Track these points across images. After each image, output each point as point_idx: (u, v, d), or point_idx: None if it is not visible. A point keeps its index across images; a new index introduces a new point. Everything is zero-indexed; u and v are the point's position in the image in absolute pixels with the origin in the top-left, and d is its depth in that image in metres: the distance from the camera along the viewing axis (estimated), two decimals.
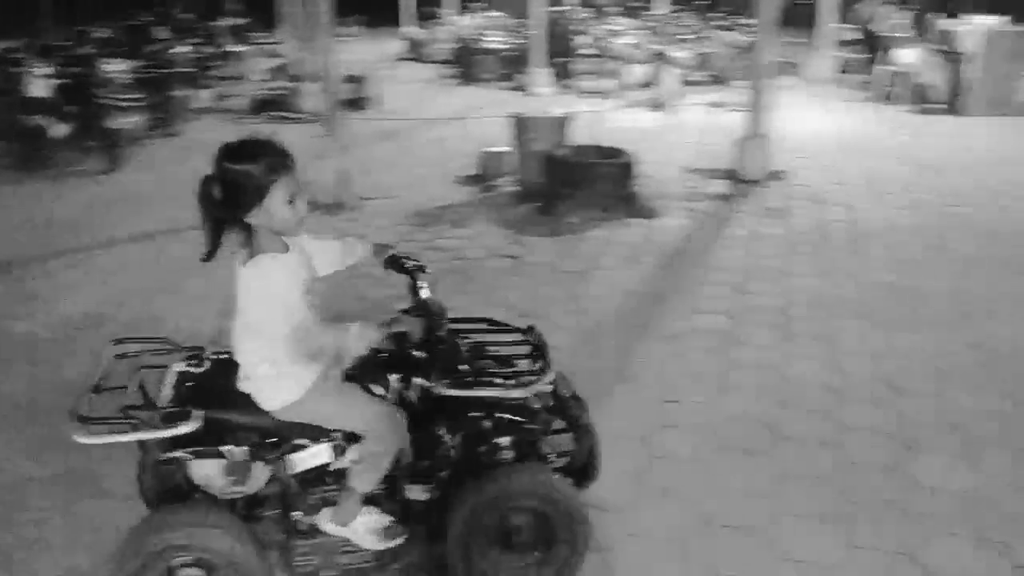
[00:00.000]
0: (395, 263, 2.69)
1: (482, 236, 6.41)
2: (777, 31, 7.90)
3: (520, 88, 13.80)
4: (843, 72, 13.98)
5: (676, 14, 17.17)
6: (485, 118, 10.77)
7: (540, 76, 13.62)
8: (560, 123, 7.60)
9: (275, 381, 2.38)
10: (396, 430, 2.48)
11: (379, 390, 2.54)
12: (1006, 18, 11.32)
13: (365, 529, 2.57)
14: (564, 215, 6.65)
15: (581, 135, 7.89)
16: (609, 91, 13.15)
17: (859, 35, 13.57)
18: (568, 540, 2.63)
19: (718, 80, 13.48)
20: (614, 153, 7.09)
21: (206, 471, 2.46)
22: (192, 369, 2.57)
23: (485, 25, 17.63)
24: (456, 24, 19.04)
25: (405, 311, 2.53)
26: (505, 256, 5.97)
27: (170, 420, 2.32)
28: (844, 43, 14.09)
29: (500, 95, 13.34)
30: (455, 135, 10.23)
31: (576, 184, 6.79)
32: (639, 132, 10.01)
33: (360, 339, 2.32)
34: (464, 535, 2.56)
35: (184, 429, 2.31)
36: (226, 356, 2.55)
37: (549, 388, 2.65)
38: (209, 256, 2.27)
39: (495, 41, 15.72)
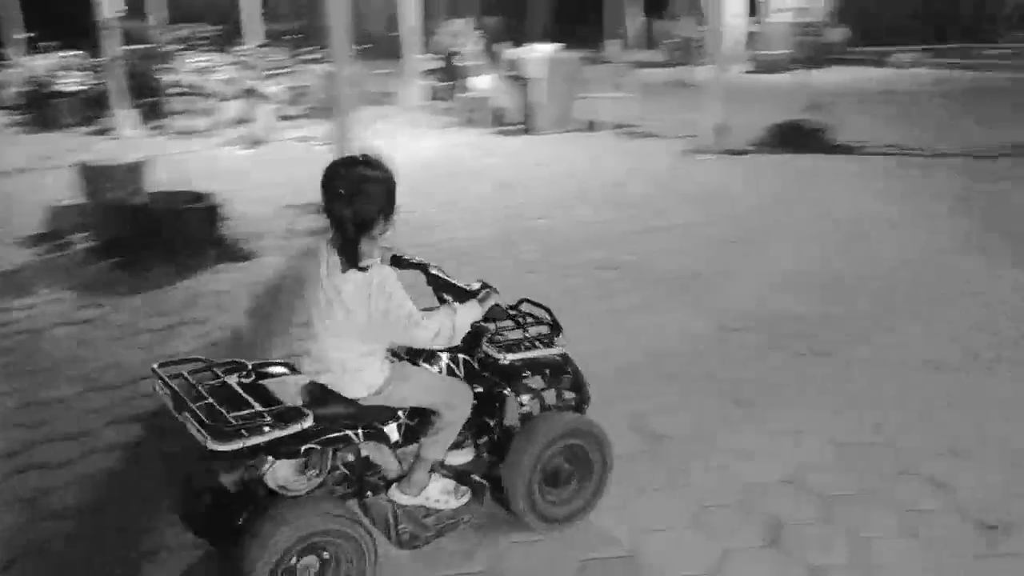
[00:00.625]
0: (398, 261, 3.03)
1: (50, 303, 5.74)
2: (354, 62, 8.07)
3: (104, 132, 12.74)
4: (432, 99, 14.78)
5: (266, 48, 16.95)
6: (58, 167, 9.74)
7: (125, 118, 12.67)
8: (136, 169, 7.08)
9: (362, 371, 2.63)
10: (465, 400, 2.84)
11: (434, 368, 2.88)
12: (561, 45, 12.71)
13: (439, 492, 2.91)
14: (147, 269, 6.18)
15: (168, 179, 7.42)
16: (203, 129, 12.61)
17: (440, 64, 14.43)
18: (600, 462, 3.17)
19: (313, 113, 13.53)
20: (199, 197, 6.75)
21: (283, 472, 2.63)
22: (244, 380, 2.69)
23: (60, 65, 16.01)
24: (26, 65, 17.09)
25: (486, 288, 2.87)
26: (76, 323, 5.39)
27: (286, 420, 2.47)
28: (429, 72, 14.89)
29: (80, 141, 12.19)
30: (21, 188, 9.12)
31: (158, 234, 6.35)
32: (234, 171, 9.69)
33: (467, 317, 2.73)
34: (532, 479, 2.98)
35: (305, 424, 2.48)
36: (259, 364, 2.79)
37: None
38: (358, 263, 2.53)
39: (72, 82, 14.35)
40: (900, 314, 5.33)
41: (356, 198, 2.49)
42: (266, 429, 2.41)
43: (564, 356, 3.16)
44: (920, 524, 3.17)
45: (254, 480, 2.60)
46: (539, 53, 12.28)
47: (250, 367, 2.76)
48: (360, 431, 2.67)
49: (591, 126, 12.53)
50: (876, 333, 5.03)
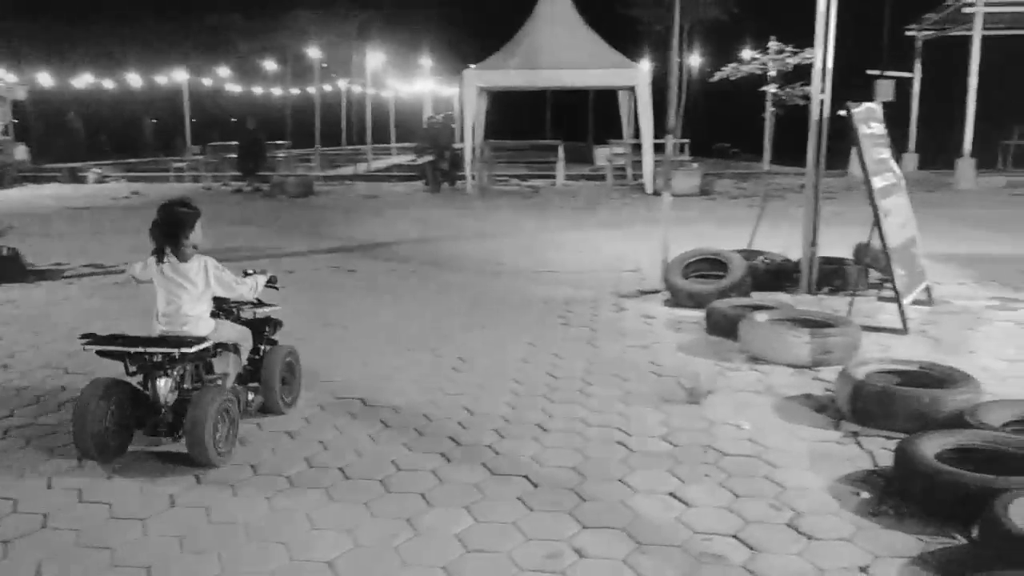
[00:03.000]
0: None
1: None
2: None
3: None
4: None
5: None
6: None
7: None
8: None
9: (206, 322, 4.71)
10: (249, 337, 5.10)
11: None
12: None
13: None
14: None
15: None
16: None
17: None
18: (299, 370, 5.53)
19: None
20: None
21: (165, 390, 4.53)
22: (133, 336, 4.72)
23: None
24: None
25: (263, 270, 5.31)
26: None
27: (198, 342, 4.54)
28: None
29: None
30: None
31: None
32: None
33: (261, 281, 5.09)
34: (278, 380, 5.22)
35: (211, 342, 4.68)
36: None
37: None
38: (161, 259, 4.63)
39: None
40: None
41: (177, 222, 4.62)
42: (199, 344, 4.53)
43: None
44: None
45: (149, 399, 4.58)
46: None
47: (132, 334, 4.72)
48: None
49: None
50: None
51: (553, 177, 22.95)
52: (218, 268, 4.70)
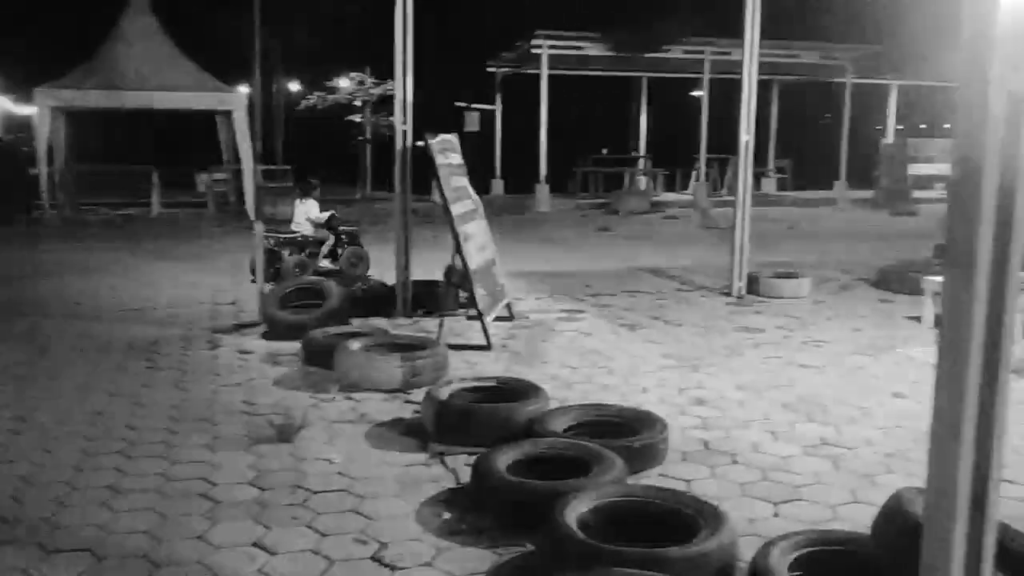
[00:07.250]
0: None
1: None
2: None
3: None
4: None
5: None
6: None
7: None
8: None
9: (307, 227, 11.09)
10: (331, 238, 11.02)
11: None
12: None
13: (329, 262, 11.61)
14: None
15: None
16: None
17: None
18: (367, 258, 11.38)
19: None
20: None
21: (287, 253, 10.91)
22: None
23: None
24: None
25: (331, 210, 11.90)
26: None
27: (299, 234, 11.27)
28: None
29: None
30: None
31: None
32: None
33: (325, 215, 11.35)
34: (349, 263, 10.91)
35: (300, 235, 11.26)
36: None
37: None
38: (299, 198, 11.67)
39: None
40: None
41: (308, 186, 11.66)
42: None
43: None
44: None
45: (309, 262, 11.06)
46: None
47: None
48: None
49: None
50: None
51: (149, 205, 21.36)
52: (314, 206, 11.12)
